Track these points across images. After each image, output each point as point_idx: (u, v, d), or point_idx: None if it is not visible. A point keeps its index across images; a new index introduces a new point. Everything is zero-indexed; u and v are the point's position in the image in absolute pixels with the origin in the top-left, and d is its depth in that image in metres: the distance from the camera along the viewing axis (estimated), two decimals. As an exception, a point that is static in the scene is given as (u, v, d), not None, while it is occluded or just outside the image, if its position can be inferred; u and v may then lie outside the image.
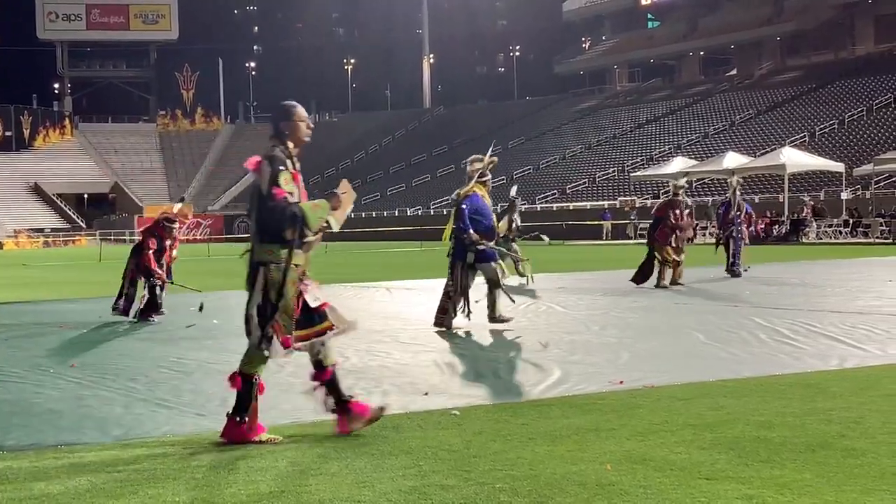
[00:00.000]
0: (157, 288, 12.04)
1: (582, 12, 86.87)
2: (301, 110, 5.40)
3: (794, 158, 41.29)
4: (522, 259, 15.01)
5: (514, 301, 10.89)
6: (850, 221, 38.73)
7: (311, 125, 5.49)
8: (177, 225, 12.49)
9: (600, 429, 5.31)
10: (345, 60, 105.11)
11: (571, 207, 55.34)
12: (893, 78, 58.38)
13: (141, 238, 12.56)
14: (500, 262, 10.75)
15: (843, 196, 41.69)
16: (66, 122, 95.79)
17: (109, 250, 44.94)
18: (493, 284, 10.48)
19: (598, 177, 61.19)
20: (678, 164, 46.15)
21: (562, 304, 13.01)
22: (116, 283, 12.72)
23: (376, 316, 11.76)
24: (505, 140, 65.98)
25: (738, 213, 18.38)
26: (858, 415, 5.53)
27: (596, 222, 49.29)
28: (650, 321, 10.86)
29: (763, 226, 38.14)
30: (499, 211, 15.17)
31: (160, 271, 12.10)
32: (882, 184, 43.37)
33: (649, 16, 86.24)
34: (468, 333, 10.08)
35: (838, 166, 42.32)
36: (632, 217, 47.17)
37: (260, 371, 5.32)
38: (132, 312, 12.12)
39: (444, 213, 55.38)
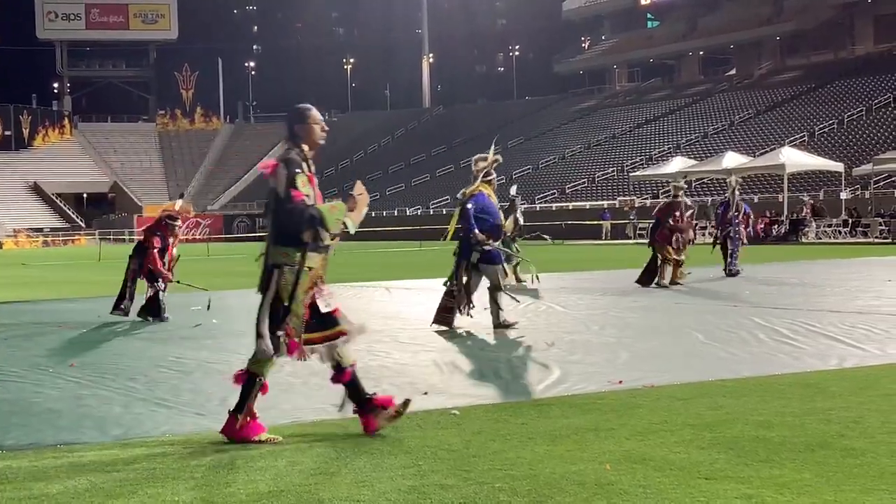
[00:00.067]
0: (161, 292, 12.00)
1: (581, 12, 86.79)
2: (315, 113, 5.42)
3: (794, 158, 41.29)
4: (524, 260, 14.98)
5: (518, 301, 10.88)
6: (850, 221, 38.71)
7: (326, 128, 5.48)
8: (179, 222, 12.46)
9: (600, 428, 5.32)
10: (344, 60, 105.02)
11: (571, 207, 55.31)
12: (893, 78, 58.36)
13: (143, 238, 12.45)
14: (504, 265, 10.72)
15: (843, 196, 41.66)
16: (66, 121, 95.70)
17: (109, 250, 44.92)
18: (494, 288, 10.46)
19: (598, 177, 61.15)
20: (677, 163, 46.15)
21: (561, 303, 13.01)
22: (116, 282, 12.71)
23: (375, 316, 11.75)
24: (504, 140, 65.90)
25: (737, 213, 18.45)
26: (857, 414, 5.53)
27: (595, 222, 49.24)
28: (650, 321, 10.86)
29: (762, 225, 38.14)
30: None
31: (165, 271, 12.07)
32: (881, 184, 43.37)
33: (649, 16, 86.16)
34: (468, 333, 10.09)
35: (837, 166, 42.31)
36: (631, 217, 47.14)
37: (267, 372, 5.33)
38: (132, 311, 12.10)
39: (444, 212, 55.39)
